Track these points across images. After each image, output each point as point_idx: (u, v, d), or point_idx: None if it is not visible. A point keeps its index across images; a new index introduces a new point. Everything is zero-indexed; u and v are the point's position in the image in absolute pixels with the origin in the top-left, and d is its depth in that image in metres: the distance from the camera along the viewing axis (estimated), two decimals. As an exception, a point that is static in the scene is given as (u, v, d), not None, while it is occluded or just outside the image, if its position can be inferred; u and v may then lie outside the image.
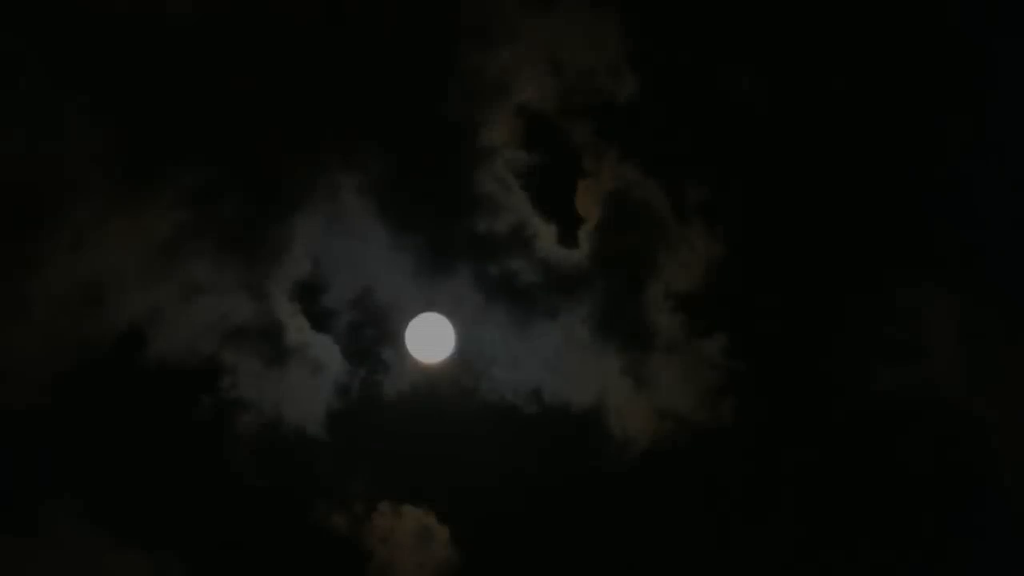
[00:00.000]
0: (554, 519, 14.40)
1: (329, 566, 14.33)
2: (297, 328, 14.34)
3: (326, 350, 14.38)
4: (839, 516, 13.96)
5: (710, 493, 14.24)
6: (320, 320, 14.38)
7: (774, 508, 14.11)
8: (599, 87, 14.60)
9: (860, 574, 13.95)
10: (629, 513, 14.52)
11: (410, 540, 14.52)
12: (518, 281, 14.32)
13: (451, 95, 14.22)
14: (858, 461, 14.08)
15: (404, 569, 14.40)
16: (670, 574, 14.32)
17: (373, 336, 14.51)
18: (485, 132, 14.32)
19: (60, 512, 14.02)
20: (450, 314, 14.32)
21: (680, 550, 14.38)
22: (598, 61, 14.39)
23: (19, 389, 13.93)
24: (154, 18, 14.03)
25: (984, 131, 14.50)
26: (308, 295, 14.38)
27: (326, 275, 14.38)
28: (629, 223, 14.50)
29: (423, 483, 14.53)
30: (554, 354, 14.48)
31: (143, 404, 14.12)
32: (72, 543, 13.88)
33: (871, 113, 14.38)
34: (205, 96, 13.96)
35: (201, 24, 14.05)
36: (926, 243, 14.46)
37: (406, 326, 14.33)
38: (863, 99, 14.47)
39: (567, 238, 14.53)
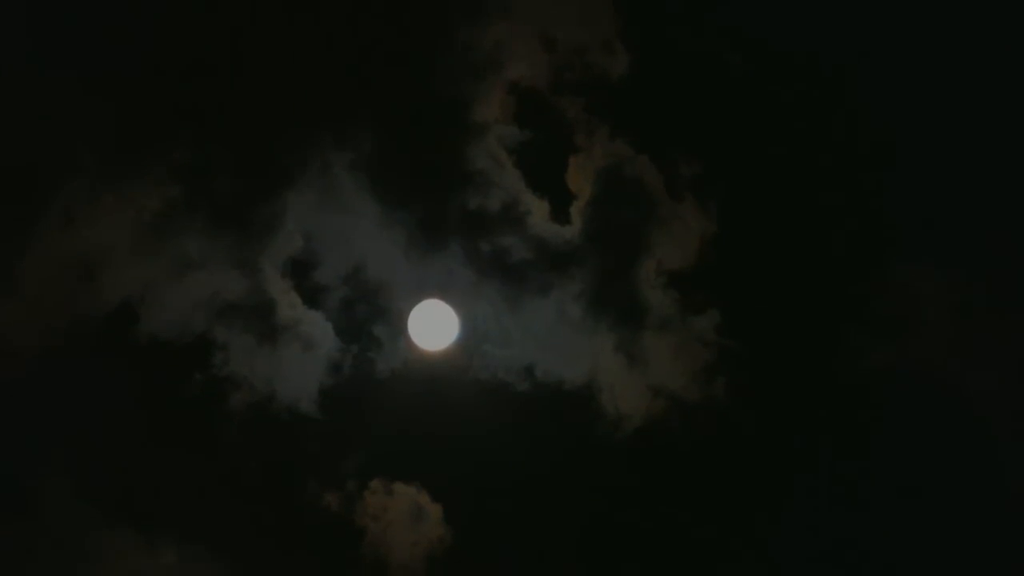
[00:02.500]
0: (547, 496, 14.47)
1: (322, 544, 14.49)
2: (289, 305, 14.29)
3: (319, 327, 14.33)
4: (833, 494, 14.25)
5: (702, 469, 14.39)
6: (312, 297, 14.41)
7: (767, 485, 14.34)
8: (591, 63, 14.68)
9: (852, 554, 14.37)
10: (622, 490, 14.67)
11: (403, 518, 14.58)
12: (510, 258, 14.34)
13: (443, 71, 14.31)
14: (850, 437, 14.32)
15: (397, 547, 14.46)
16: (663, 551, 14.53)
17: (366, 313, 14.59)
18: (477, 108, 14.37)
19: (49, 489, 14.26)
20: (441, 291, 14.42)
21: (672, 526, 14.54)
22: (590, 37, 14.47)
23: (10, 365, 14.23)
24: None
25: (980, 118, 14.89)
26: (300, 272, 14.40)
27: (318, 252, 14.39)
28: (621, 199, 14.51)
29: (416, 461, 14.62)
30: (547, 331, 14.45)
31: (134, 380, 14.37)
32: (61, 520, 14.07)
33: (866, 90, 14.67)
34: (197, 73, 14.02)
35: (194, 2, 14.26)
36: (920, 220, 14.80)
37: (398, 303, 14.33)
38: (859, 76, 14.74)
39: (559, 214, 14.61)
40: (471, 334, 14.56)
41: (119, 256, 13.90)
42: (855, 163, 14.27)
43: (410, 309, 14.48)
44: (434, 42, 14.21)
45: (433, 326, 14.46)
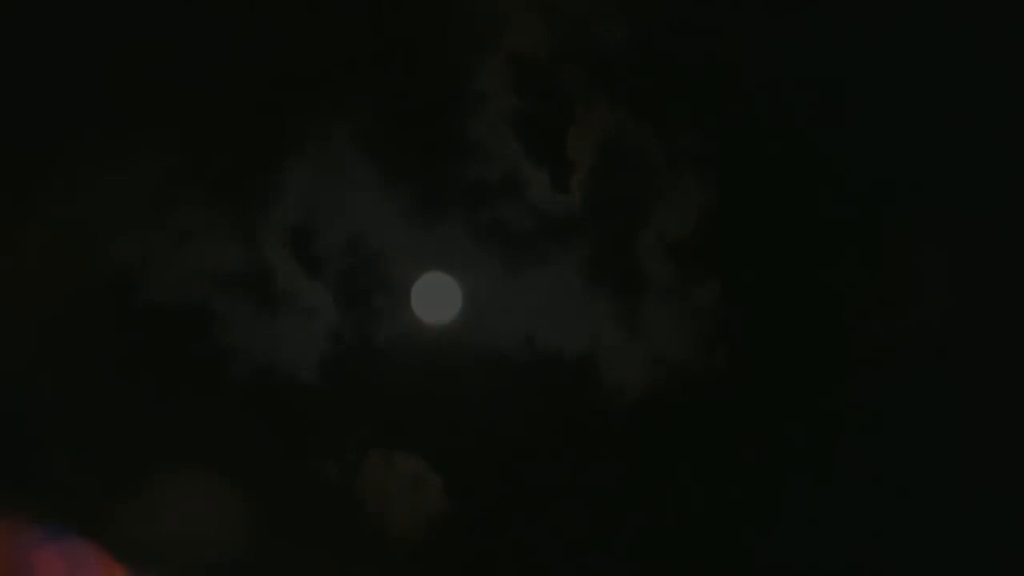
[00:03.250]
0: (548, 467, 14.51)
1: (320, 514, 14.50)
2: (289, 275, 14.37)
3: (319, 298, 14.40)
4: (831, 463, 14.26)
5: (703, 440, 14.42)
6: (312, 267, 14.50)
7: (768, 456, 14.34)
8: (592, 33, 14.69)
9: (849, 523, 14.37)
10: (623, 460, 14.67)
11: (403, 488, 14.58)
12: (510, 229, 14.36)
13: (443, 41, 14.28)
14: (850, 408, 14.36)
15: (397, 517, 14.46)
16: (664, 523, 14.56)
17: (366, 283, 14.60)
18: (477, 78, 14.40)
19: (49, 462, 14.24)
20: (441, 262, 14.43)
21: (674, 498, 14.58)
22: (591, 7, 14.56)
23: (7, 337, 14.18)
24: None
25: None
26: (300, 242, 14.47)
27: (318, 222, 14.43)
28: (621, 169, 14.53)
29: (416, 432, 14.63)
30: (547, 301, 14.51)
31: (133, 351, 14.34)
32: (60, 490, 14.01)
33: (867, 58, 14.67)
34: (195, 42, 14.09)
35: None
36: (920, 192, 14.80)
37: (398, 273, 14.34)
38: (861, 45, 14.73)
39: (559, 185, 14.63)
40: (471, 304, 14.61)
41: (118, 225, 14.04)
42: (856, 132, 14.49)
43: (410, 280, 14.48)
44: (434, 11, 14.35)
45: (433, 297, 14.45)
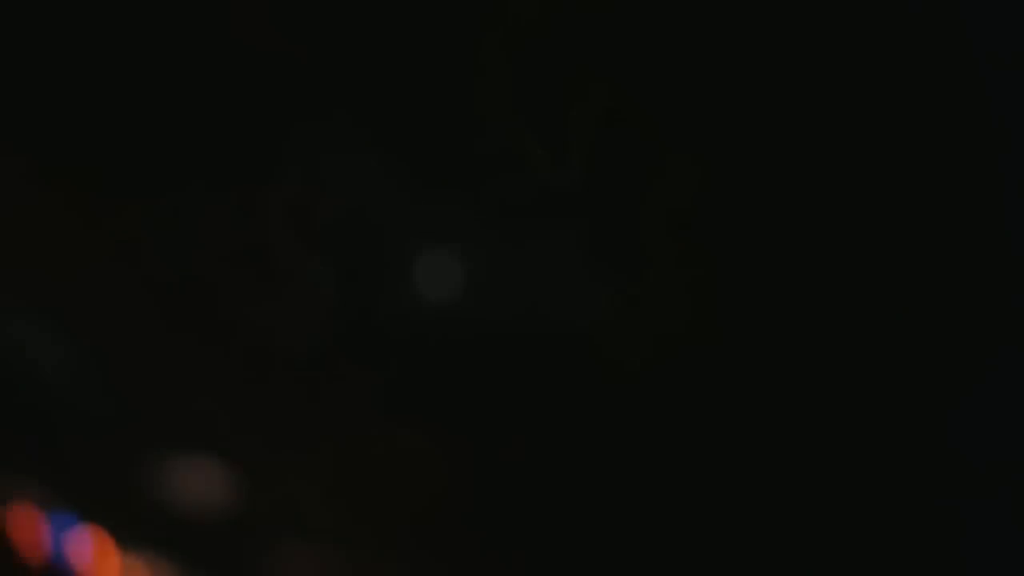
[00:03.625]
0: (550, 443, 14.46)
1: (319, 494, 14.40)
2: (290, 251, 14.36)
3: (319, 273, 14.39)
4: (831, 434, 14.22)
5: (706, 413, 14.37)
6: (312, 242, 14.53)
7: (770, 430, 14.29)
8: (593, 6, 14.73)
9: (850, 495, 14.28)
10: (625, 436, 14.62)
11: (406, 466, 14.49)
12: (512, 203, 14.35)
13: (443, 11, 14.34)
14: (850, 382, 14.32)
15: (399, 494, 14.37)
16: (668, 499, 14.49)
17: (367, 259, 14.60)
18: (478, 50, 14.43)
19: (45, 445, 14.22)
20: (443, 237, 14.43)
21: (677, 472, 14.49)
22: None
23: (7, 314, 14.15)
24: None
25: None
26: (300, 216, 14.51)
27: (318, 196, 14.48)
28: (624, 142, 14.52)
29: (419, 408, 14.59)
30: (548, 277, 14.51)
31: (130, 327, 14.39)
32: (56, 476, 14.06)
33: (870, 37, 14.69)
34: (199, 16, 14.12)
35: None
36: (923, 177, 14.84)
37: (399, 249, 14.48)
38: (864, 24, 14.75)
39: (560, 159, 14.59)
40: (472, 280, 14.57)
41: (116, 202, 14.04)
42: (859, 106, 14.55)
43: (412, 255, 14.50)
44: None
45: (435, 272, 14.44)
